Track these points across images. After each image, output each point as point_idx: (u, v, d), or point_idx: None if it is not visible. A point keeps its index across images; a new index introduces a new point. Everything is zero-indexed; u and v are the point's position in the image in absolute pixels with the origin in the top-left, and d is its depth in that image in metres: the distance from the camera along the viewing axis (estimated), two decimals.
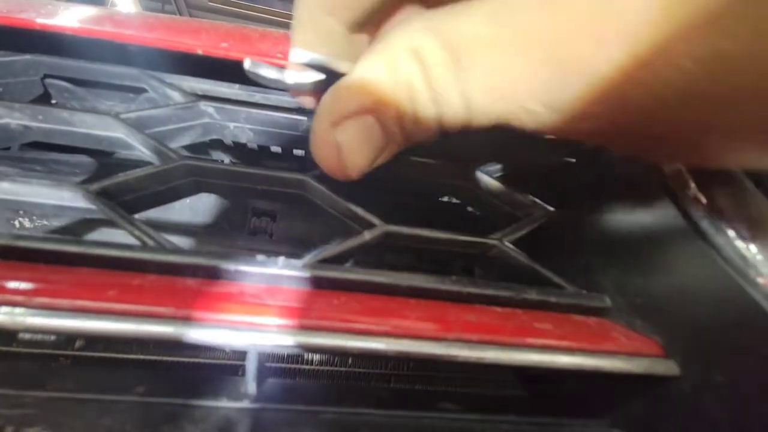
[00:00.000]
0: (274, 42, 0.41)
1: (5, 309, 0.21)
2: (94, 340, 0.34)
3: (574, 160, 0.40)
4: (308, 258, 0.28)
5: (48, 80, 0.39)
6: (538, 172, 0.40)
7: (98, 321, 0.22)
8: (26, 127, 0.33)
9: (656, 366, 0.25)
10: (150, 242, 0.26)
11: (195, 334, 0.22)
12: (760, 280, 0.22)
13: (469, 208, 0.46)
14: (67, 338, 0.33)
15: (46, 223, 0.49)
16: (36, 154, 0.42)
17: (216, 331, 0.23)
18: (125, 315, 0.22)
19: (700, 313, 0.25)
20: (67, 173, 0.42)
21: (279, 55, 0.38)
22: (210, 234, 0.61)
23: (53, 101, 0.41)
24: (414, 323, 0.24)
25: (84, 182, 0.28)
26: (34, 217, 0.48)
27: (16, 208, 0.29)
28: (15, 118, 0.32)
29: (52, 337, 0.34)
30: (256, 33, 0.43)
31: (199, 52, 0.36)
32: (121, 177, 0.28)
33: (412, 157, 0.37)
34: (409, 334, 0.23)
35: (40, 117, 0.33)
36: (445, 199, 0.49)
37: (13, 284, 0.21)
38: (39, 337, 0.35)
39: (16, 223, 0.47)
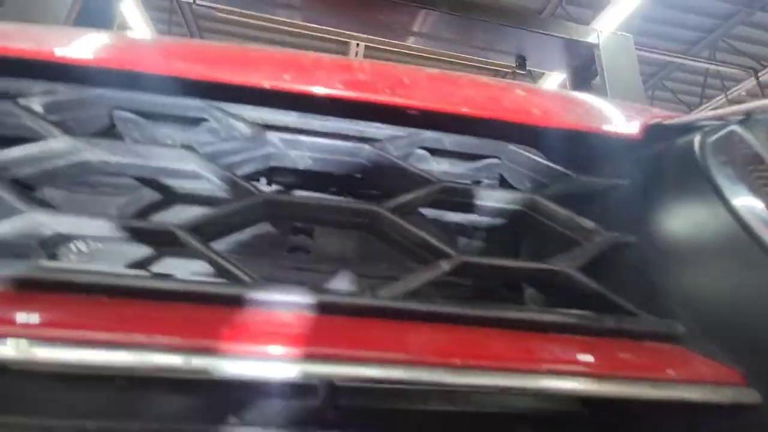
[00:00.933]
0: (329, 69, 0.43)
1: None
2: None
3: (625, 183, 0.41)
4: (393, 290, 0.28)
5: (115, 112, 0.41)
6: (594, 196, 0.41)
7: (203, 358, 0.23)
8: (105, 162, 0.35)
9: (739, 395, 0.26)
10: (245, 278, 0.27)
11: (294, 369, 0.23)
12: None
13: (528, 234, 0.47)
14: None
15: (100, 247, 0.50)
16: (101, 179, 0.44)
17: (313, 365, 0.24)
18: (237, 354, 0.23)
19: None
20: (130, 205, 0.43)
21: (338, 85, 0.39)
22: (251, 252, 0.62)
23: (116, 131, 0.43)
24: (509, 356, 0.24)
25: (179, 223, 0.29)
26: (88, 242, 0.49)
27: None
28: (95, 154, 0.34)
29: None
30: (310, 59, 0.44)
31: (266, 85, 0.37)
32: (210, 214, 0.30)
33: (471, 186, 0.38)
34: (506, 367, 0.24)
35: (118, 152, 0.34)
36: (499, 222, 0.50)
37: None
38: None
39: (72, 247, 0.48)
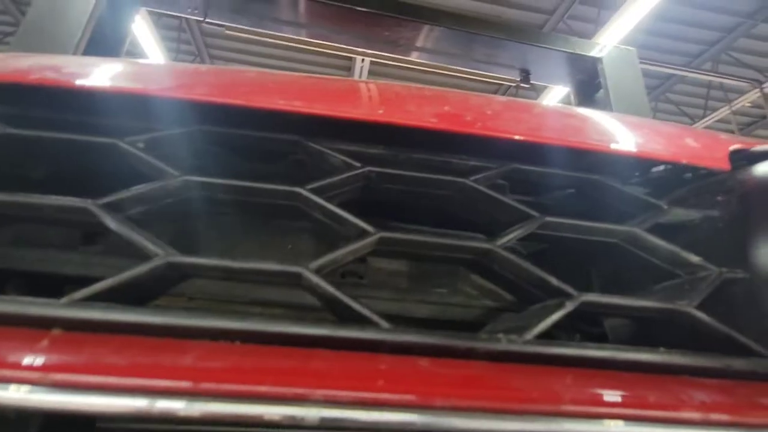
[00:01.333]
0: (418, 102, 0.43)
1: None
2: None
3: (716, 214, 0.41)
4: (524, 333, 0.28)
5: (209, 148, 0.41)
6: (684, 228, 0.40)
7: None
8: (212, 199, 0.34)
9: None
10: (383, 323, 0.27)
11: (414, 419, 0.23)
12: None
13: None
14: None
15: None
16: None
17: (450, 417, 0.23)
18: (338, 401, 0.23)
19: None
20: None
21: (432, 120, 0.39)
22: None
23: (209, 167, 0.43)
24: (667, 404, 0.24)
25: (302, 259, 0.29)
26: None
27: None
28: (208, 191, 0.34)
29: None
30: (403, 91, 0.44)
31: (358, 118, 0.38)
32: (333, 255, 0.29)
33: (570, 220, 0.37)
34: (667, 418, 0.23)
35: (223, 190, 0.34)
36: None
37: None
38: None
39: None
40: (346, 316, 0.28)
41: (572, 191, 0.46)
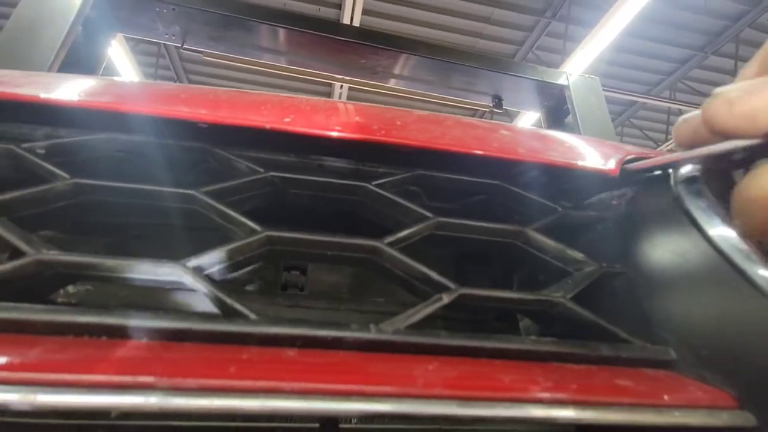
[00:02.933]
0: (327, 113, 0.45)
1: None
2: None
3: (609, 215, 0.43)
4: (396, 324, 0.29)
5: (116, 155, 0.41)
6: (580, 229, 0.43)
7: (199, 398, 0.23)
8: (107, 203, 0.35)
9: (735, 418, 0.27)
10: (252, 315, 0.27)
11: (291, 405, 0.23)
12: None
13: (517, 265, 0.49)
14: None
15: (90, 288, 0.49)
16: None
17: (318, 401, 0.24)
18: (240, 391, 0.23)
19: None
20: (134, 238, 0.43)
21: (337, 128, 0.41)
22: (244, 291, 0.62)
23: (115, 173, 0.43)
24: (516, 387, 0.25)
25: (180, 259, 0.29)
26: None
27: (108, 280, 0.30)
28: (101, 194, 0.34)
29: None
30: (308, 104, 0.46)
31: (267, 127, 0.39)
32: (216, 252, 0.30)
33: (464, 221, 0.39)
34: (513, 398, 0.24)
35: (119, 194, 0.35)
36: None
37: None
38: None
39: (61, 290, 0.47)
40: (226, 312, 0.29)
41: (483, 197, 0.48)
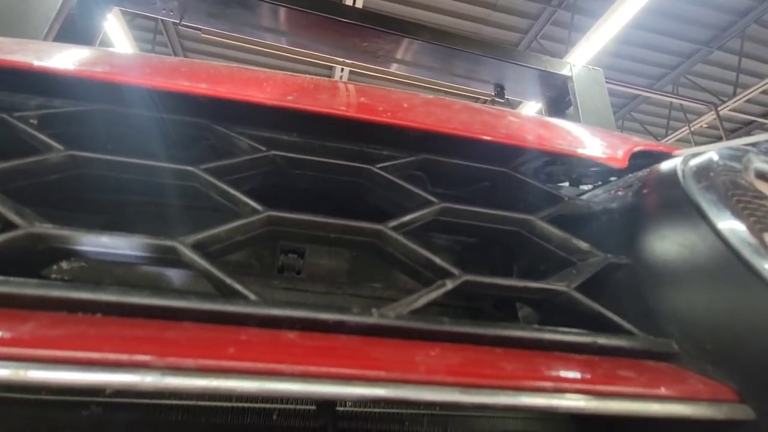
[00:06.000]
0: (331, 93, 0.44)
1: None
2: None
3: (615, 206, 0.43)
4: (398, 309, 0.28)
5: (110, 128, 0.40)
6: (587, 219, 0.42)
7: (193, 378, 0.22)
8: (102, 177, 0.34)
9: (734, 411, 0.27)
10: (251, 296, 0.27)
11: (300, 387, 0.23)
12: None
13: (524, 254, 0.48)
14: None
15: (84, 264, 0.48)
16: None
17: (320, 384, 0.23)
18: (242, 372, 0.22)
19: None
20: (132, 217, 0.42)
21: (342, 107, 0.40)
22: (241, 272, 0.61)
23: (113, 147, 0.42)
24: (519, 375, 0.25)
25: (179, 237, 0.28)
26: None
27: (102, 258, 0.29)
28: (98, 168, 0.33)
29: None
30: (312, 83, 0.45)
31: (269, 103, 0.38)
32: (215, 231, 0.29)
33: (470, 207, 0.39)
34: (515, 386, 0.24)
35: (116, 167, 0.34)
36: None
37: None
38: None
39: (54, 266, 0.46)
40: (224, 292, 0.28)
41: (487, 185, 0.47)
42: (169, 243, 0.28)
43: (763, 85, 5.19)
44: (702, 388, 0.28)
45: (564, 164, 0.43)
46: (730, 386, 0.28)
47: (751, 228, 0.30)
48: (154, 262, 0.29)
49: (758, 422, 0.27)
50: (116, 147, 0.41)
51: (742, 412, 0.27)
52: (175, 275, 0.43)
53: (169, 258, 0.28)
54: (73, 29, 1.26)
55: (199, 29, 1.78)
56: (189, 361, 0.22)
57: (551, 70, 1.72)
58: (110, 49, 0.53)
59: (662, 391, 0.27)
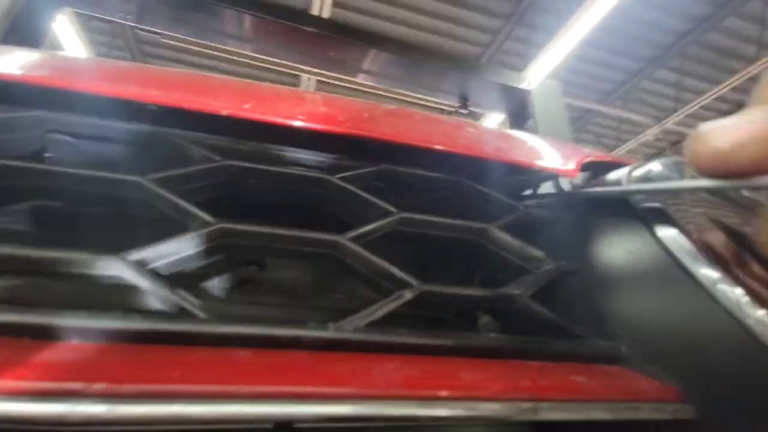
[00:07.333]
0: (291, 102, 0.43)
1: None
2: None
3: (567, 215, 0.44)
4: (355, 322, 0.28)
5: (50, 135, 0.37)
6: (540, 226, 0.44)
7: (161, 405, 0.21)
8: (39, 187, 0.31)
9: (678, 411, 0.28)
10: (200, 314, 0.25)
11: (249, 409, 0.22)
12: (750, 320, 0.26)
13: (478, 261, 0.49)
14: None
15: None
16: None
17: (271, 404, 0.22)
18: (187, 396, 0.21)
19: (711, 358, 0.28)
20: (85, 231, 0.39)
21: (301, 117, 0.40)
22: (198, 288, 0.58)
23: (49, 156, 0.39)
24: (477, 385, 0.25)
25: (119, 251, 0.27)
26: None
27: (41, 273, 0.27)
28: (35, 179, 0.31)
29: None
30: (271, 91, 0.44)
31: (224, 113, 0.37)
32: (161, 245, 0.28)
33: (428, 217, 0.39)
34: (473, 396, 0.24)
35: (53, 177, 0.32)
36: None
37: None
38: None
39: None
40: (171, 310, 0.27)
41: (448, 194, 0.48)
42: (108, 259, 0.26)
43: (703, 100, 5.65)
44: (647, 389, 0.29)
45: (519, 174, 0.45)
46: (673, 386, 0.30)
47: (689, 235, 0.32)
48: (95, 279, 0.27)
49: (699, 421, 0.28)
50: (59, 156, 0.38)
51: (686, 411, 0.28)
52: (123, 293, 0.40)
53: (110, 274, 0.27)
54: (19, 31, 1.18)
55: (160, 34, 1.71)
56: (126, 387, 0.20)
57: (511, 84, 1.79)
58: (56, 53, 0.50)
59: (611, 395, 0.28)
